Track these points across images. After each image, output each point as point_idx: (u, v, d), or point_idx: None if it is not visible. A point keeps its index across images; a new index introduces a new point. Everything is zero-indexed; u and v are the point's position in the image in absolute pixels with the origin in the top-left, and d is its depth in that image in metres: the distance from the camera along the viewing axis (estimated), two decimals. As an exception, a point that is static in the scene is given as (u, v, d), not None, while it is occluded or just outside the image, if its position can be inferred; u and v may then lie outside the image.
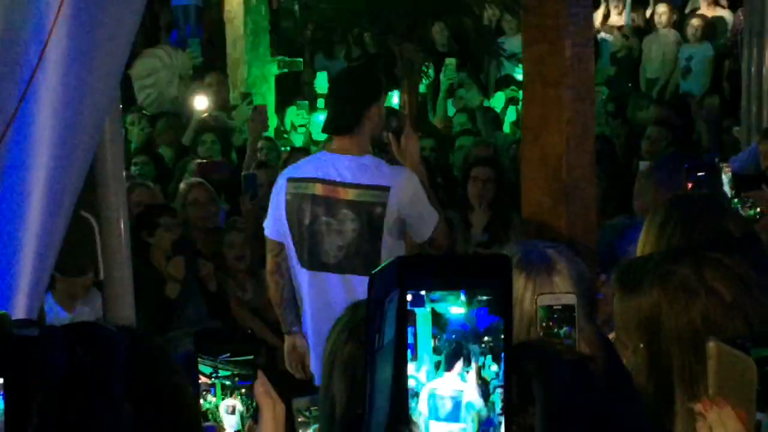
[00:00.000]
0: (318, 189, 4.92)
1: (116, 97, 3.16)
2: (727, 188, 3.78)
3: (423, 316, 1.32)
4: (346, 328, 2.80)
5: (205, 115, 9.70)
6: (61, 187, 2.83)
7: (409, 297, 1.32)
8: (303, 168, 5.07)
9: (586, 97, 4.04)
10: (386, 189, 4.76)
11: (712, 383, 1.75)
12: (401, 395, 1.33)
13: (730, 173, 3.88)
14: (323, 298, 4.86)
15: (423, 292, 1.31)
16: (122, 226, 3.19)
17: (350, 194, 4.87)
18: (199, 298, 6.73)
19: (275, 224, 5.08)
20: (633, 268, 2.19)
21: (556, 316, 2.15)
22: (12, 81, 2.71)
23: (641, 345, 2.08)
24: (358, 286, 4.73)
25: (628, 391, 1.56)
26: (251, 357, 2.33)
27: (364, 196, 4.79)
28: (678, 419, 2.01)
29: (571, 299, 2.13)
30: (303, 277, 4.96)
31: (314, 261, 4.91)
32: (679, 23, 11.45)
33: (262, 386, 2.16)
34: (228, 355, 2.31)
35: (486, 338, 1.35)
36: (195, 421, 1.62)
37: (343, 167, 4.88)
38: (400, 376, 1.33)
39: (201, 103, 10.01)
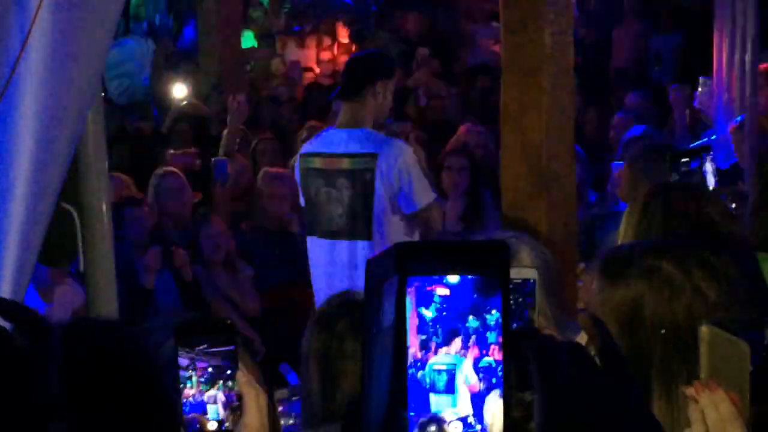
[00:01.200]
0: (318, 163, 5.36)
1: (98, 89, 3.15)
2: (710, 179, 3.79)
3: (419, 296, 1.33)
4: (316, 321, 2.81)
5: (184, 103, 9.69)
6: (44, 178, 2.81)
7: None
8: (310, 144, 5.58)
9: (565, 85, 4.05)
10: (375, 155, 5.14)
11: (704, 367, 1.76)
12: (402, 380, 1.34)
13: (713, 164, 3.89)
14: (332, 264, 5.18)
15: (411, 277, 1.32)
16: (105, 218, 3.18)
17: (345, 163, 5.26)
18: (173, 287, 6.72)
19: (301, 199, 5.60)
20: (617, 257, 2.18)
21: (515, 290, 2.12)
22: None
23: (620, 336, 2.07)
24: (362, 250, 5.18)
25: (624, 372, 1.57)
26: (232, 347, 2.31)
27: (356, 164, 5.15)
28: (655, 411, 2.01)
29: (531, 273, 2.11)
30: (313, 244, 5.42)
31: (321, 229, 5.35)
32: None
33: (245, 376, 2.15)
34: (208, 345, 2.30)
35: (483, 316, 1.36)
36: (173, 414, 1.60)
37: (341, 140, 5.29)
38: (401, 360, 1.33)
39: (180, 91, 9.99)
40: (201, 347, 2.28)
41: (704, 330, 1.74)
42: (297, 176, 5.54)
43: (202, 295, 6.86)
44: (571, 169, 4.12)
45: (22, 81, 2.73)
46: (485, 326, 1.35)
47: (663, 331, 2.01)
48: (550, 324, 2.30)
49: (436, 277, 1.32)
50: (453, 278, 1.34)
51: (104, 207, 3.19)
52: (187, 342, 2.27)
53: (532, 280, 2.04)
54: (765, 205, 3.50)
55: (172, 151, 8.28)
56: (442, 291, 1.34)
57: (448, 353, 1.35)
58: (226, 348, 2.29)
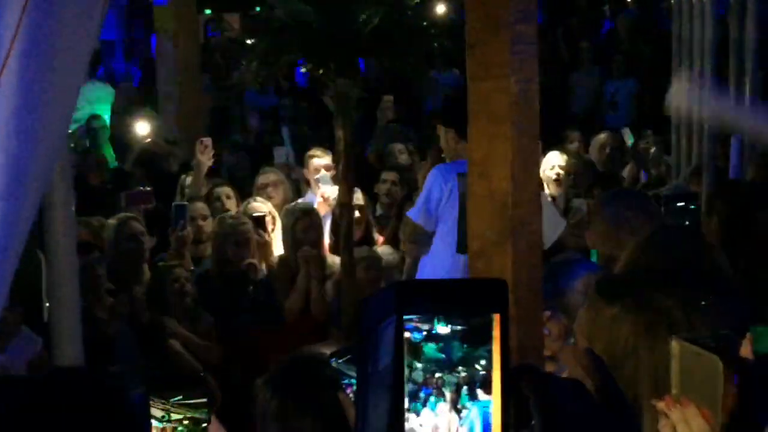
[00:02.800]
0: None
1: (66, 135, 3.13)
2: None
3: (412, 343, 1.32)
4: (269, 383, 2.80)
5: (147, 141, 9.68)
6: (12, 224, 2.78)
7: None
8: (462, 165, 5.73)
9: (530, 133, 4.07)
10: None
11: (675, 382, 1.75)
12: (400, 419, 1.32)
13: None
14: None
15: (412, 317, 1.31)
16: (71, 265, 3.15)
17: None
18: (131, 335, 6.67)
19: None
20: (617, 284, 2.17)
21: None
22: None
23: (607, 361, 2.05)
24: None
25: (624, 408, 1.57)
26: (205, 399, 2.31)
27: None
28: None
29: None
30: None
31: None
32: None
33: (216, 429, 2.15)
34: (181, 397, 2.28)
35: (461, 368, 1.35)
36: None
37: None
38: (398, 399, 1.32)
39: (143, 129, 9.99)
40: (175, 399, 2.27)
41: (675, 345, 1.73)
42: (455, 195, 5.98)
43: (161, 344, 6.80)
44: (537, 217, 4.14)
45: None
46: (479, 368, 1.34)
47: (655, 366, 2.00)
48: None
49: (431, 323, 1.31)
50: (446, 328, 1.33)
51: (71, 253, 3.16)
52: (161, 393, 2.26)
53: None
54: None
55: (126, 192, 8.25)
56: (437, 339, 1.33)
57: (442, 397, 1.34)
58: (200, 400, 2.28)
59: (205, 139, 8.18)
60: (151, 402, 2.25)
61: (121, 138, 10.43)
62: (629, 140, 8.97)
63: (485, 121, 4.02)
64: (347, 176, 6.92)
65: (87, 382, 1.58)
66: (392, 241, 7.52)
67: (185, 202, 7.66)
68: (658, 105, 9.74)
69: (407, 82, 9.61)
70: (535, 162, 4.14)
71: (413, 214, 6.27)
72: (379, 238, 7.88)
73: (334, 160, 7.79)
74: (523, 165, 4.05)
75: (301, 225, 7.17)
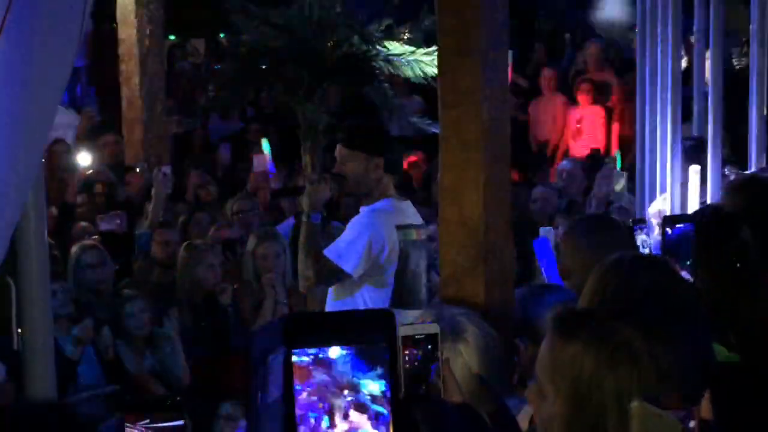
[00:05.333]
0: (415, 234, 5.54)
1: (40, 161, 3.12)
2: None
3: (302, 368, 1.33)
4: None
5: (89, 172, 9.64)
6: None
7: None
8: (396, 216, 5.53)
9: (502, 159, 4.10)
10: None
11: None
12: None
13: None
14: None
15: (300, 347, 1.32)
16: (45, 293, 3.13)
17: (422, 234, 5.63)
18: (95, 362, 6.63)
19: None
20: (574, 318, 2.16)
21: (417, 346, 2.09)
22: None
23: (571, 397, 2.05)
24: None
25: None
26: (182, 423, 2.30)
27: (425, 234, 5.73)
28: None
29: (434, 328, 2.09)
30: (406, 317, 5.47)
31: (419, 299, 5.50)
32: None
33: None
34: (152, 421, 2.28)
35: (347, 392, 1.36)
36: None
37: (410, 211, 5.63)
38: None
39: (84, 160, 9.96)
40: (146, 422, 2.26)
41: (635, 406, 1.75)
42: (394, 249, 5.39)
43: (125, 369, 6.77)
44: (508, 243, 4.15)
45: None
46: (363, 397, 1.35)
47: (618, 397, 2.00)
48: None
49: (319, 350, 1.32)
50: (335, 351, 1.34)
51: (44, 281, 3.14)
52: (137, 418, 2.26)
53: (435, 334, 2.03)
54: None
55: (100, 215, 8.22)
56: (325, 364, 1.34)
57: (334, 426, 1.34)
58: (174, 423, 2.28)
59: (164, 167, 8.17)
60: (127, 427, 2.24)
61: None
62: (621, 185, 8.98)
63: (456, 147, 4.04)
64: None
65: (59, 418, 1.58)
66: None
67: (149, 230, 7.64)
68: (624, 132, 9.84)
69: (372, 107, 9.64)
70: (507, 188, 4.16)
71: (335, 255, 5.31)
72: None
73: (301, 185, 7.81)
74: (494, 191, 4.07)
75: (263, 249, 7.18)
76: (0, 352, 5.48)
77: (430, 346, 1.99)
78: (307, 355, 1.34)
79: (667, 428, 1.74)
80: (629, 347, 2.02)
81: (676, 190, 6.91)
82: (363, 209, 5.48)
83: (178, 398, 2.36)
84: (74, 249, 7.16)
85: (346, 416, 1.36)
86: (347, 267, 5.26)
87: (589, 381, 2.01)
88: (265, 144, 9.90)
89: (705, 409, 1.76)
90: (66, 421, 1.56)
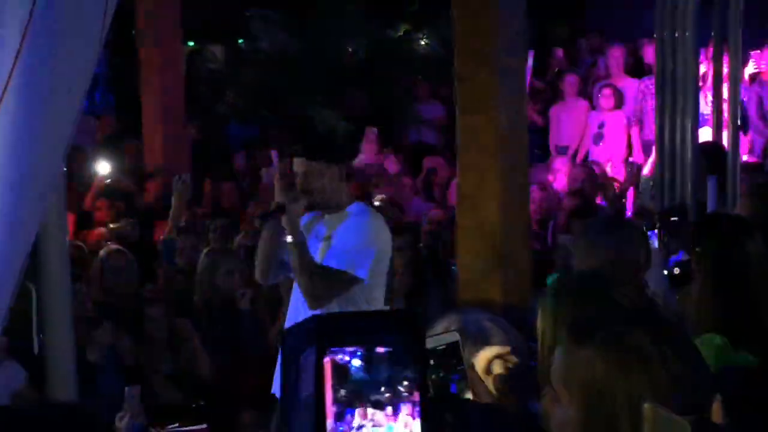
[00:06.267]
0: None
1: (61, 166, 3.14)
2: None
3: (335, 368, 1.35)
4: None
5: (107, 181, 9.67)
6: (7, 257, 2.79)
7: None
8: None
9: (520, 165, 4.11)
10: None
11: None
12: None
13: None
14: None
15: (330, 347, 1.34)
16: (66, 297, 3.15)
17: None
18: (115, 366, 6.66)
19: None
20: (585, 323, 2.18)
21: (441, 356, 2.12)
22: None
23: (584, 402, 2.06)
24: None
25: None
26: (204, 426, 2.34)
27: None
28: None
29: (454, 337, 2.11)
30: None
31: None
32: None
33: None
34: (179, 426, 2.32)
35: (384, 388, 1.37)
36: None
37: None
38: (321, 429, 1.35)
39: (103, 168, 9.99)
40: (175, 426, 2.30)
41: (647, 408, 1.76)
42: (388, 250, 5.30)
43: (144, 374, 6.80)
44: (526, 247, 4.17)
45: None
46: (400, 396, 1.37)
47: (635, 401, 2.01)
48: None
49: (352, 350, 1.34)
50: (370, 350, 1.36)
51: (65, 286, 3.16)
52: (162, 422, 2.30)
53: (455, 342, 2.05)
54: (714, 291, 3.54)
55: (111, 225, 8.25)
56: (357, 363, 1.36)
57: (364, 424, 1.36)
58: (199, 427, 2.32)
59: (183, 175, 8.19)
60: (152, 431, 2.28)
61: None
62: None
63: (474, 153, 4.07)
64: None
65: (83, 418, 1.59)
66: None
67: (174, 237, 7.67)
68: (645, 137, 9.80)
69: (391, 113, 9.67)
70: (524, 194, 4.18)
71: (346, 265, 5.10)
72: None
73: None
74: (512, 197, 4.09)
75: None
76: (21, 357, 5.53)
77: (451, 357, 2.02)
78: (345, 353, 1.36)
79: (679, 430, 1.75)
80: (640, 352, 2.03)
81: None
82: (357, 212, 5.34)
83: (201, 404, 2.40)
84: (101, 253, 7.19)
85: (380, 414, 1.38)
86: (361, 273, 5.20)
87: (602, 386, 2.03)
88: (275, 156, 9.85)
89: (716, 413, 1.77)
90: (89, 423, 1.58)
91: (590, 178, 9.35)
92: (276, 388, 5.16)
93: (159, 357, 6.82)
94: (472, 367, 2.43)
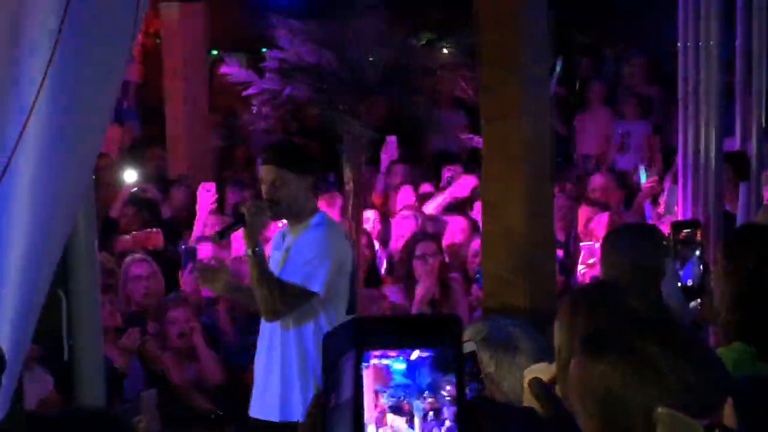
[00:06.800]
0: None
1: (91, 176, 3.17)
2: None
3: (368, 372, 1.36)
4: None
5: (134, 189, 9.72)
6: (38, 266, 2.81)
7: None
8: None
9: (545, 172, 4.13)
10: None
11: None
12: None
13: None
14: None
15: (371, 350, 1.35)
16: (95, 305, 3.18)
17: None
18: (141, 373, 6.69)
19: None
20: (598, 336, 2.20)
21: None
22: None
23: (599, 415, 2.08)
24: None
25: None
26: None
27: None
28: None
29: (470, 346, 2.14)
30: None
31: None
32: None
33: None
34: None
35: (427, 393, 1.39)
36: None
37: None
38: None
39: (130, 176, 10.04)
40: None
41: (661, 412, 1.77)
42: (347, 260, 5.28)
43: (169, 381, 6.83)
44: (551, 255, 4.18)
45: (18, 169, 2.73)
46: (441, 399, 1.38)
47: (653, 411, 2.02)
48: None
49: (394, 353, 1.36)
50: (414, 354, 1.38)
51: (94, 293, 3.19)
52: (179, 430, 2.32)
53: (471, 353, 2.07)
54: (748, 299, 3.54)
55: (133, 233, 8.28)
56: (399, 366, 1.37)
57: (403, 427, 1.38)
58: None
59: (207, 184, 8.24)
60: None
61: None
62: (643, 178, 8.97)
63: (499, 161, 4.08)
64: (356, 216, 6.98)
65: (111, 423, 1.62)
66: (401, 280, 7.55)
67: (195, 246, 7.71)
68: (667, 147, 9.80)
69: (412, 122, 9.69)
70: (549, 201, 4.19)
71: (301, 279, 5.11)
72: (386, 278, 7.93)
73: (343, 200, 7.85)
74: (536, 204, 4.10)
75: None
76: (48, 364, 5.57)
77: (468, 367, 2.04)
78: (388, 357, 1.38)
79: None
80: (654, 364, 2.05)
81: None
82: (315, 224, 5.23)
83: (219, 413, 2.43)
84: (125, 261, 7.24)
85: (424, 418, 1.40)
86: (316, 287, 5.08)
87: (616, 398, 2.04)
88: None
89: (728, 416, 1.78)
90: (115, 427, 1.60)
91: (614, 186, 9.32)
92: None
93: (183, 364, 6.86)
94: (491, 375, 2.45)
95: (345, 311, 5.22)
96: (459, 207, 8.86)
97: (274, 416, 5.17)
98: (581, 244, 7.50)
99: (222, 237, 5.33)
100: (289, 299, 5.02)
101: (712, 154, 7.07)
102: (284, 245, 5.24)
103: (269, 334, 5.22)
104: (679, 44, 7.32)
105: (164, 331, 6.88)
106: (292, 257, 5.15)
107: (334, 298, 5.16)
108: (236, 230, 5.26)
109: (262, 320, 5.22)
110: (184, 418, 2.21)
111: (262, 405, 5.24)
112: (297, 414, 5.06)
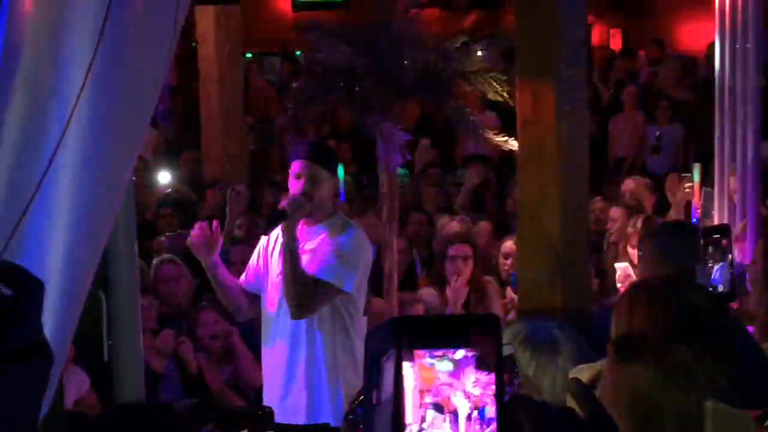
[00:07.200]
0: None
1: (131, 179, 3.20)
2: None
3: (412, 371, 1.38)
4: None
5: (168, 190, 9.76)
6: (80, 266, 2.84)
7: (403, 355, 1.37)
8: None
9: (580, 175, 4.13)
10: None
11: None
12: None
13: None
14: None
15: (414, 350, 1.37)
16: (135, 305, 3.21)
17: None
18: (177, 375, 6.71)
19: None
20: (631, 341, 2.20)
21: None
22: (33, 164, 2.73)
23: (630, 418, 2.08)
24: None
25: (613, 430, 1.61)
26: (269, 432, 2.39)
27: None
28: None
29: (509, 350, 2.15)
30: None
31: None
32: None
33: None
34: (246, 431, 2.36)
35: (474, 392, 1.40)
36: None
37: None
38: (399, 430, 1.38)
39: (164, 178, 10.08)
40: None
41: (709, 406, 1.78)
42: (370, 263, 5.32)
43: (206, 384, 6.85)
44: (586, 258, 4.18)
45: (59, 172, 2.76)
46: (485, 398, 1.39)
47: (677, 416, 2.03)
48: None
49: (439, 352, 1.38)
50: (454, 354, 1.39)
51: (134, 294, 3.22)
52: (227, 427, 2.34)
53: (509, 356, 2.09)
54: None
55: (167, 234, 8.32)
56: (444, 366, 1.39)
57: (445, 425, 1.39)
58: None
59: (238, 186, 8.27)
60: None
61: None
62: (696, 177, 8.86)
63: (535, 164, 4.08)
64: (391, 219, 6.98)
65: (162, 417, 1.64)
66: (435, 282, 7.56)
67: (227, 249, 7.74)
68: (701, 150, 9.75)
69: (448, 124, 9.69)
70: (585, 204, 4.19)
71: (351, 288, 5.09)
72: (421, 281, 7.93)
73: (378, 202, 7.86)
74: (572, 207, 4.10)
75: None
76: (87, 363, 5.61)
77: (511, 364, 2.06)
78: (433, 357, 1.40)
79: (742, 427, 1.76)
80: (685, 368, 2.05)
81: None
82: (341, 225, 5.22)
83: (268, 408, 2.45)
84: (153, 263, 7.27)
85: (468, 417, 1.41)
86: (348, 287, 5.05)
87: (648, 402, 2.05)
88: (340, 171, 9.63)
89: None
90: (169, 424, 1.63)
91: (645, 189, 9.28)
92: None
93: (218, 366, 6.88)
94: (529, 377, 2.45)
95: (363, 310, 5.24)
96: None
97: (300, 418, 5.09)
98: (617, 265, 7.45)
99: (265, 232, 5.29)
100: (319, 296, 4.99)
101: (750, 156, 7.04)
102: (302, 244, 5.18)
103: (291, 332, 5.16)
104: (715, 45, 7.30)
105: (197, 334, 6.90)
106: (320, 257, 5.14)
107: (358, 297, 5.17)
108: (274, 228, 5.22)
109: (275, 318, 5.18)
110: (227, 417, 2.24)
111: (286, 407, 5.12)
112: (326, 415, 5.01)
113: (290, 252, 4.98)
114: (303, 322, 5.11)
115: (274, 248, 5.26)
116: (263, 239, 5.34)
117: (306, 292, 4.96)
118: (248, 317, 5.18)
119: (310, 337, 5.12)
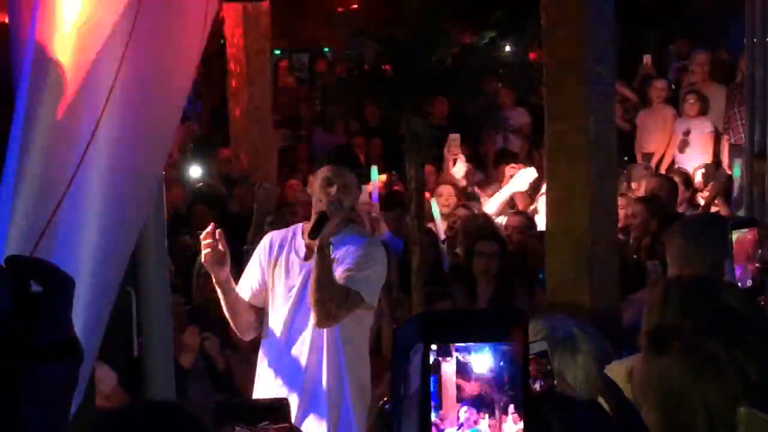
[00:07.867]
0: None
1: (161, 175, 3.22)
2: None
3: (448, 366, 1.39)
4: None
5: (200, 184, 9.78)
6: (110, 262, 2.86)
7: (434, 347, 1.38)
8: None
9: (608, 170, 4.12)
10: None
11: None
12: None
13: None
14: None
15: (448, 344, 1.38)
16: (165, 302, 3.22)
17: None
18: (205, 373, 6.73)
19: None
20: (663, 334, 2.20)
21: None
22: (64, 162, 2.75)
23: (661, 409, 2.09)
24: None
25: (640, 426, 1.61)
26: (287, 425, 2.40)
27: None
28: None
29: (542, 346, 2.15)
30: None
31: None
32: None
33: None
34: (267, 423, 2.38)
35: (508, 387, 1.41)
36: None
37: None
38: (426, 424, 1.39)
39: (195, 172, 10.10)
40: (262, 425, 2.37)
41: (743, 412, 1.78)
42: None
43: (233, 381, 6.86)
44: (614, 253, 4.17)
45: (90, 169, 2.78)
46: (517, 391, 1.40)
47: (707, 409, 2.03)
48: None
49: (471, 346, 1.38)
50: (481, 348, 1.40)
51: (164, 290, 3.23)
52: (248, 420, 2.36)
53: (543, 352, 2.10)
54: None
55: (198, 231, 8.34)
56: (476, 361, 1.40)
57: (475, 419, 1.40)
58: (282, 425, 2.39)
59: (265, 183, 8.28)
60: (237, 429, 2.34)
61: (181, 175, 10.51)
62: (737, 172, 8.80)
63: (563, 160, 4.07)
64: (419, 214, 6.99)
65: (183, 416, 1.66)
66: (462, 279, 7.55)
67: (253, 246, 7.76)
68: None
69: (476, 120, 9.69)
70: (613, 199, 4.18)
71: (374, 300, 5.00)
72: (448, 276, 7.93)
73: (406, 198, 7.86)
74: (600, 203, 4.09)
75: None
76: (116, 359, 5.64)
77: (540, 366, 2.06)
78: (468, 350, 1.41)
79: None
80: (716, 361, 2.06)
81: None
82: (359, 236, 5.09)
83: (284, 402, 2.47)
84: (198, 258, 7.30)
85: (504, 409, 1.42)
86: (372, 300, 4.91)
87: (678, 393, 2.06)
88: (374, 173, 9.37)
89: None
90: (192, 423, 1.64)
91: (669, 187, 9.23)
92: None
93: (246, 362, 6.90)
94: (562, 375, 2.45)
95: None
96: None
97: (323, 427, 4.98)
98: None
99: (313, 237, 5.11)
100: (346, 305, 4.84)
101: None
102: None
103: (315, 341, 5.02)
104: (745, 41, 7.27)
105: (224, 331, 6.91)
106: (344, 267, 5.05)
107: (374, 307, 5.13)
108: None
109: (292, 325, 5.06)
110: (251, 412, 2.26)
111: (308, 414, 5.01)
112: (351, 425, 4.93)
113: (324, 258, 4.87)
114: (325, 330, 4.99)
115: (278, 260, 5.14)
116: (262, 252, 5.21)
117: (336, 301, 4.87)
118: (255, 335, 5.08)
119: (332, 346, 4.98)
